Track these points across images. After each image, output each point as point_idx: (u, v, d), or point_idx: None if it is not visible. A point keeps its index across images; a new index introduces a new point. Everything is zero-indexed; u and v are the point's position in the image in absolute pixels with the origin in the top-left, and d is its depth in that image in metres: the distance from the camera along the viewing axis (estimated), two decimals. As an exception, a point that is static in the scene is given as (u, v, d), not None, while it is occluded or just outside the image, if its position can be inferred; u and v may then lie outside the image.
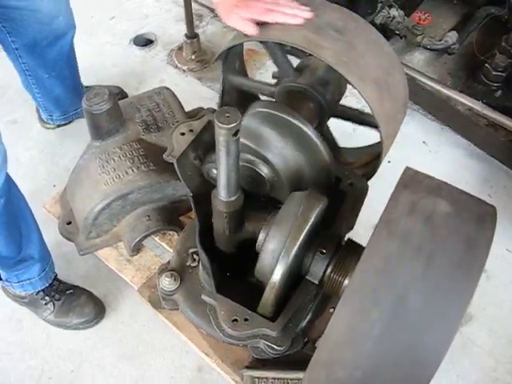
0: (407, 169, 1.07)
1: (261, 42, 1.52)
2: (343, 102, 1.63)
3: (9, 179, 1.60)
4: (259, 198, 1.45)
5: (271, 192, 1.42)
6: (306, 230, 1.21)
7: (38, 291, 1.89)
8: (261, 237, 1.31)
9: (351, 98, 1.86)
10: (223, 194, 1.24)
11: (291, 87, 1.53)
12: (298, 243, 1.20)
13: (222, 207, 1.27)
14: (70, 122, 2.45)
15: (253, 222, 1.36)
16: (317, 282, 1.27)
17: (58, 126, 2.47)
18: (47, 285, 1.90)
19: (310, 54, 1.32)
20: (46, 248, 1.88)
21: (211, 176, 1.40)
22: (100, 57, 2.80)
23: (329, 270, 1.24)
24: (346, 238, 1.33)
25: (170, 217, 1.81)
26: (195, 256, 1.57)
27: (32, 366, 1.92)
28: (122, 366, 1.91)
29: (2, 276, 1.83)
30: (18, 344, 1.96)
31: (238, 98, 1.70)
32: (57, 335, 1.97)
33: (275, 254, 1.23)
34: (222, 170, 1.17)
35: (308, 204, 1.24)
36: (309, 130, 1.34)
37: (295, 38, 1.29)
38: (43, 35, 1.94)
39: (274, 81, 1.62)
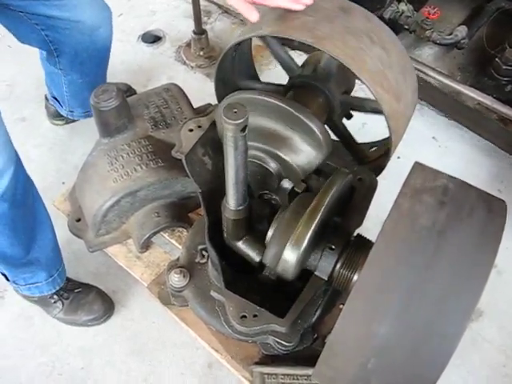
0: (416, 164, 1.06)
1: (259, 37, 1.42)
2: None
3: (26, 181, 1.59)
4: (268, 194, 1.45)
5: (278, 189, 1.42)
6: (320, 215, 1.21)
7: None
8: (270, 233, 1.31)
9: (360, 93, 1.85)
10: (232, 204, 1.27)
11: (295, 82, 1.52)
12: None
13: (230, 215, 1.31)
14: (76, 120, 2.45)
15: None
16: (326, 278, 1.26)
17: (67, 122, 2.47)
18: (54, 291, 1.89)
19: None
20: (58, 254, 1.87)
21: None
22: (108, 54, 2.80)
23: (338, 266, 1.24)
24: (355, 234, 1.33)
25: (178, 213, 1.81)
26: (204, 252, 1.57)
27: (43, 362, 1.93)
28: (132, 363, 1.92)
29: (8, 277, 1.82)
30: (28, 341, 1.97)
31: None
32: (67, 332, 1.98)
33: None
34: (230, 167, 1.16)
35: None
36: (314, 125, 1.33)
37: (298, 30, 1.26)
38: (84, 46, 1.90)
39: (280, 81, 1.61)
